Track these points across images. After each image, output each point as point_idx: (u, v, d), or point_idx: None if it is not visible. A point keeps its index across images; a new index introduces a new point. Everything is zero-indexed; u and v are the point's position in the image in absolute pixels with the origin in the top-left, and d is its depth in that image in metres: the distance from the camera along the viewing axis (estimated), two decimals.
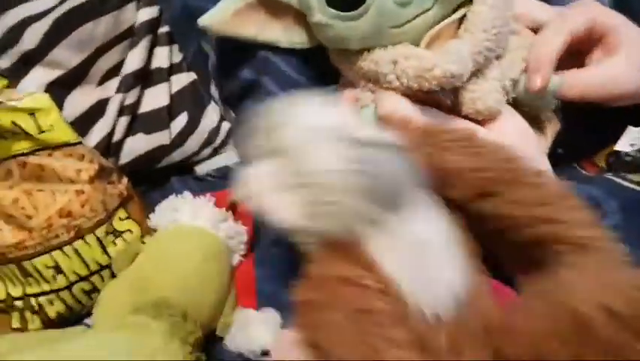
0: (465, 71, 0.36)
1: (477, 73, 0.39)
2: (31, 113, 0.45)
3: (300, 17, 0.43)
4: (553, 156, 0.44)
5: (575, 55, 0.42)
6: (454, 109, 0.40)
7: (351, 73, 0.42)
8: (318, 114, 0.31)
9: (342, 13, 0.38)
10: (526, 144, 0.40)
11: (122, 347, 0.34)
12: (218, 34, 0.44)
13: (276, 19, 0.44)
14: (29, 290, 0.48)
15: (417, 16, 0.38)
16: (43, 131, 0.45)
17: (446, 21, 0.39)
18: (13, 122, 0.44)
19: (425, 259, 0.29)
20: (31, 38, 0.49)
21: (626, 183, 0.45)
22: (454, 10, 0.39)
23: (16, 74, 0.50)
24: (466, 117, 0.40)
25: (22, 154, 0.45)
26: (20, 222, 0.46)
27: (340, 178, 0.28)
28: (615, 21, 0.41)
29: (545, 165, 0.41)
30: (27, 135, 0.45)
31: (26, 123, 0.44)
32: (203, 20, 0.43)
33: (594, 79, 0.41)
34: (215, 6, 0.43)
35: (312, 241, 0.30)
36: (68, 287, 0.47)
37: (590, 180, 0.47)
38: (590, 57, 0.42)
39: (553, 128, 0.45)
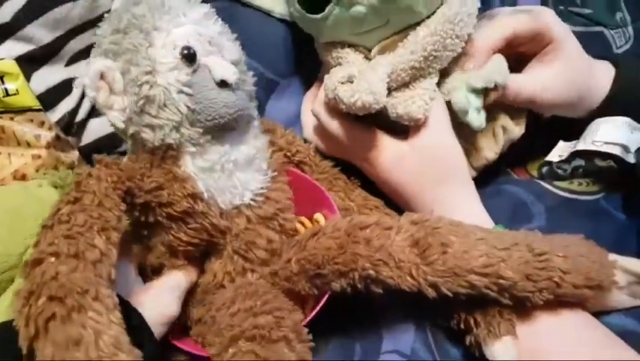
0: (379, 99, 0.38)
1: (406, 84, 0.42)
2: (0, 76, 0.47)
3: None
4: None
5: (520, 61, 0.46)
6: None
7: (323, 59, 0.47)
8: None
9: (307, 14, 0.42)
10: (443, 157, 0.43)
11: None
12: None
13: None
14: None
15: (372, 29, 0.42)
16: (8, 95, 0.47)
17: (394, 37, 0.43)
18: None
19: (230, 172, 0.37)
20: (5, 12, 0.51)
21: (552, 188, 0.49)
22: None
23: None
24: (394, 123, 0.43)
25: None
26: None
27: (169, 97, 0.34)
28: (562, 35, 0.44)
29: (460, 179, 0.44)
30: None
31: None
32: None
33: (526, 82, 0.44)
34: None
35: (133, 145, 0.37)
36: None
37: (519, 184, 0.50)
38: (527, 65, 0.46)
39: (508, 135, 0.47)
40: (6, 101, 0.47)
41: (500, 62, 0.43)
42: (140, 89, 0.34)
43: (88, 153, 0.55)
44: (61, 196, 0.32)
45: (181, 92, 0.35)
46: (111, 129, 0.55)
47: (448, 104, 0.43)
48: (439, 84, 0.43)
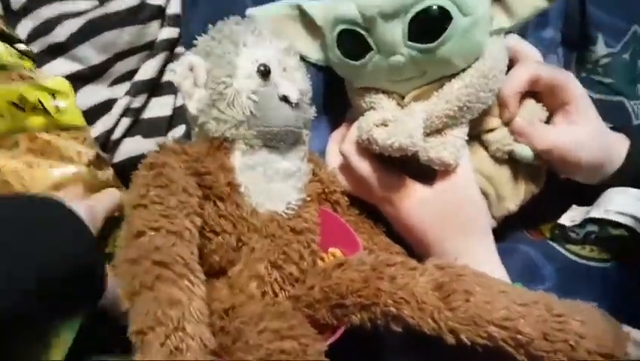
0: (416, 142, 0.41)
1: (438, 130, 0.45)
2: (52, 93, 0.50)
3: None
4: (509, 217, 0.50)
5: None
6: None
7: (354, 102, 0.50)
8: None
9: (345, 59, 0.45)
10: (466, 206, 0.45)
11: None
12: None
13: (310, 36, 0.51)
14: None
15: (408, 78, 0.45)
16: (59, 112, 0.50)
17: (428, 86, 0.45)
18: (38, 99, 0.49)
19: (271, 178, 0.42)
20: (62, 32, 0.54)
21: (563, 251, 0.51)
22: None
23: (41, 60, 0.55)
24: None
25: (34, 129, 0.50)
26: (15, 190, 0.49)
27: (238, 99, 0.41)
28: (582, 98, 0.46)
29: (481, 230, 0.46)
30: (45, 112, 0.49)
31: (48, 102, 0.49)
32: (252, 10, 0.51)
33: (563, 137, 0.45)
34: (268, 4, 0.51)
35: (198, 132, 0.44)
36: None
37: (532, 244, 0.52)
38: (553, 120, 0.47)
39: (529, 188, 0.49)
40: (56, 117, 0.50)
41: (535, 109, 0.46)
42: (218, 86, 0.41)
43: (120, 171, 0.57)
44: (143, 179, 0.37)
45: (249, 97, 0.41)
46: (143, 149, 0.60)
47: (475, 155, 0.46)
48: (473, 135, 0.46)
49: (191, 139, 0.60)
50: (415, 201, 0.45)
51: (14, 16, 0.54)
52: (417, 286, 0.35)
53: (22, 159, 0.50)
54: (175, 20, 0.60)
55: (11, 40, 0.51)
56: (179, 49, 0.62)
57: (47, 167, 0.50)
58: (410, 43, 0.42)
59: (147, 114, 0.61)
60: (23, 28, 0.54)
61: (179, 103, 0.62)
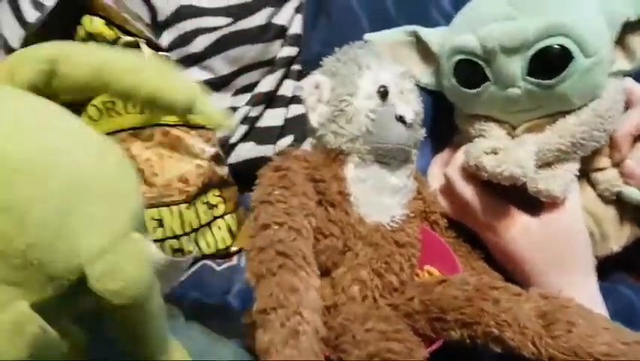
0: (527, 172, 0.42)
1: (549, 163, 0.46)
2: None
3: None
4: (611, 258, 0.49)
5: None
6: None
7: (462, 127, 0.52)
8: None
9: (460, 87, 0.47)
10: (570, 240, 0.45)
11: None
12: None
13: (423, 61, 0.55)
14: None
15: (521, 110, 0.46)
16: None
17: (542, 120, 0.47)
18: None
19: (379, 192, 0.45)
20: (198, 45, 0.61)
21: None
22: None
23: (178, 67, 0.61)
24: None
25: (168, 125, 0.56)
26: (146, 176, 0.55)
27: (357, 116, 0.44)
28: None
29: (583, 266, 0.46)
30: None
31: None
32: (370, 35, 0.54)
33: None
34: (385, 30, 0.55)
35: (316, 143, 0.48)
36: (162, 240, 0.56)
37: (632, 287, 0.51)
38: None
39: (634, 230, 0.49)
40: (188, 117, 0.56)
41: None
42: (340, 103, 0.45)
43: (233, 171, 0.63)
44: (269, 180, 0.42)
45: (367, 115, 0.44)
46: (255, 154, 0.66)
47: (582, 192, 0.46)
48: (581, 172, 0.46)
49: (296, 148, 0.66)
50: (519, 230, 0.46)
51: (159, 27, 0.61)
52: (520, 311, 0.36)
53: (154, 151, 0.56)
54: (295, 40, 0.66)
55: (156, 49, 0.58)
56: (296, 66, 0.67)
57: (175, 160, 0.56)
58: (529, 78, 0.43)
59: (261, 123, 0.66)
60: (165, 39, 0.61)
61: (290, 115, 0.67)
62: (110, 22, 0.53)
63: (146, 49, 0.55)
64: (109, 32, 0.53)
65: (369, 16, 0.58)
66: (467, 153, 0.47)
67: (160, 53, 0.58)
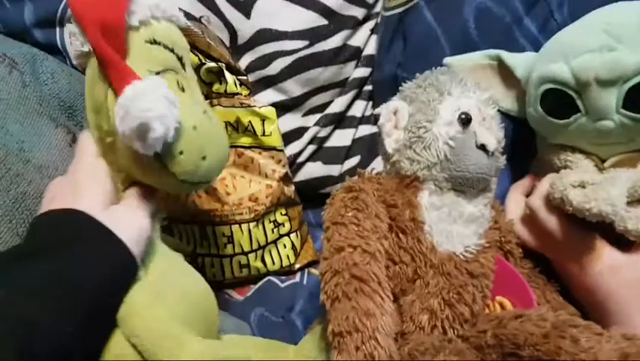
0: (618, 211, 0.40)
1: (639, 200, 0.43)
2: (263, 119, 0.58)
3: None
4: None
5: None
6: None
7: (545, 156, 0.50)
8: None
9: (548, 117, 0.46)
10: None
11: None
12: None
13: (504, 86, 0.53)
14: (199, 250, 0.59)
15: (612, 143, 0.44)
16: (264, 135, 0.58)
17: (633, 154, 0.44)
18: (250, 122, 0.57)
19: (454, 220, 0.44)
20: (275, 67, 0.62)
21: None
22: None
23: (255, 89, 0.63)
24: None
25: (243, 147, 0.58)
26: (219, 195, 0.58)
27: (435, 143, 0.43)
28: None
29: None
30: (253, 134, 0.58)
31: (257, 125, 0.57)
32: (450, 59, 0.54)
33: None
34: (466, 54, 0.54)
35: (390, 168, 0.47)
36: (231, 256, 0.57)
37: None
38: None
39: None
40: (261, 139, 0.58)
41: None
42: (418, 130, 0.44)
43: (299, 189, 0.64)
44: (341, 201, 0.42)
45: (446, 143, 0.43)
46: (321, 173, 0.67)
47: None
48: None
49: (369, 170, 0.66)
50: (605, 266, 0.43)
51: (238, 50, 0.63)
52: (601, 352, 0.34)
53: (228, 170, 0.59)
54: (368, 60, 0.66)
55: (236, 72, 0.60)
56: (368, 87, 0.68)
57: (247, 180, 0.58)
58: (624, 111, 0.41)
59: (330, 143, 0.67)
60: (244, 61, 0.63)
61: (357, 135, 0.68)
62: (194, 47, 0.55)
63: (228, 75, 0.57)
64: (193, 58, 0.55)
65: (450, 39, 0.56)
66: (553, 185, 0.44)
67: (240, 77, 0.60)
